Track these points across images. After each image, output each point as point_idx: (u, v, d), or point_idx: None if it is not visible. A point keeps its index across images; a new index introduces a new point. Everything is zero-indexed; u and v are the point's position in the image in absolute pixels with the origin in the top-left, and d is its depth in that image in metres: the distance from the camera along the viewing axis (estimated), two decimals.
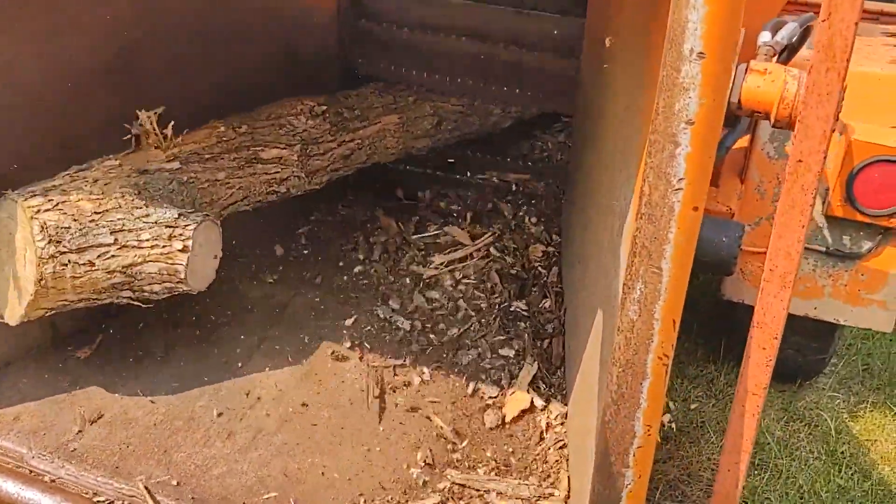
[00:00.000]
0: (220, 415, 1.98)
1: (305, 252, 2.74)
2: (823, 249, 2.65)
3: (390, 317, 2.39)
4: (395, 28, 3.14)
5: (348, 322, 2.36)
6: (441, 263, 2.62)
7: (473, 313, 2.40)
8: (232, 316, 2.36)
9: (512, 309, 2.44)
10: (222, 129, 2.37)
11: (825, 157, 1.17)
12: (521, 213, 3.11)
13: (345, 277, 2.60)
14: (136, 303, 1.98)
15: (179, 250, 1.92)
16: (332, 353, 2.23)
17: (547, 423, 2.02)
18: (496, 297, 2.48)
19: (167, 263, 1.92)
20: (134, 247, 1.90)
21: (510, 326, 2.36)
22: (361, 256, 2.72)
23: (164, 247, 1.92)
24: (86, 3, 2.08)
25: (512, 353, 2.25)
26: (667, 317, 1.07)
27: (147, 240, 1.91)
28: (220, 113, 2.50)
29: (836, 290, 2.71)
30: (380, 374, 2.14)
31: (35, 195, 1.86)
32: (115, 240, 1.88)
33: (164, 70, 2.35)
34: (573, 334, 2.22)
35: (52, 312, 1.92)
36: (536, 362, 2.18)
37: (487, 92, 3.13)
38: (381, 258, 2.70)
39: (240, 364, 2.17)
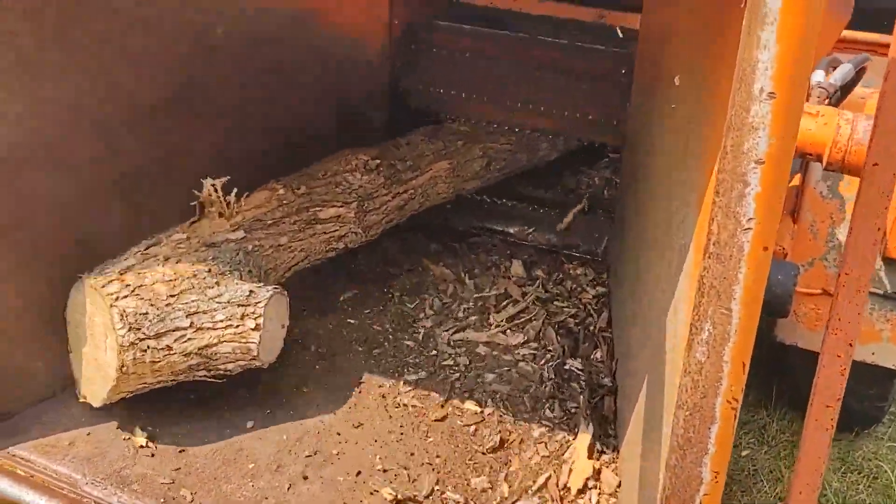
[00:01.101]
0: (269, 447, 1.98)
1: (355, 292, 2.72)
2: (881, 293, 2.58)
3: (443, 367, 2.37)
4: (447, 59, 3.18)
5: (402, 366, 2.35)
6: (500, 322, 2.59)
7: (528, 373, 2.36)
8: (282, 350, 2.37)
9: (567, 367, 2.40)
10: (282, 191, 2.40)
11: None
12: (567, 253, 3.07)
13: (396, 321, 2.59)
14: (210, 380, 2.00)
15: (252, 329, 1.95)
16: (383, 394, 2.22)
17: (597, 501, 1.93)
18: (551, 358, 2.43)
19: (241, 343, 1.95)
20: (209, 328, 1.92)
21: (565, 387, 2.31)
22: (412, 305, 2.69)
23: (237, 326, 1.94)
24: (143, 37, 2.13)
25: (568, 417, 2.19)
26: (736, 359, 1.04)
27: (221, 321, 1.93)
28: (273, 151, 2.55)
29: (894, 335, 2.62)
30: (433, 423, 2.12)
31: (112, 281, 1.89)
32: (191, 322, 1.90)
33: (216, 111, 2.41)
34: (625, 372, 2.18)
35: (132, 395, 1.95)
36: (591, 425, 2.12)
37: (537, 123, 3.15)
38: (433, 310, 2.66)
39: (289, 398, 2.18)
